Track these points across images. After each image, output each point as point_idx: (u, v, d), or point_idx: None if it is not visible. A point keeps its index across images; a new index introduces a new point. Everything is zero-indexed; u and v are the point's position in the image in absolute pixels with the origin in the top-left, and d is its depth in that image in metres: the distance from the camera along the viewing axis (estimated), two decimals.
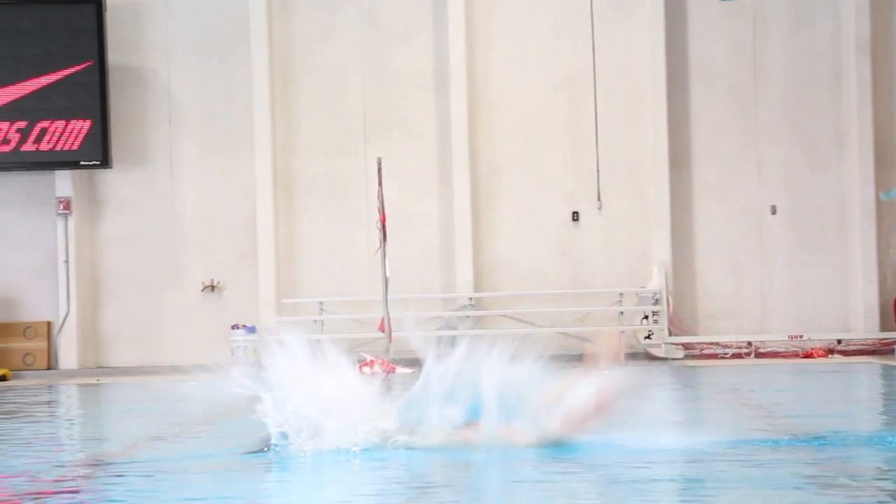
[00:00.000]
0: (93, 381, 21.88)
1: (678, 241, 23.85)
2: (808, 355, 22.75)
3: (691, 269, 24.07)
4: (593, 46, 23.95)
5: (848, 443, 9.62)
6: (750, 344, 23.26)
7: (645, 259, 23.89)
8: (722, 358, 23.03)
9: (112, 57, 23.93)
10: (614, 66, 24.01)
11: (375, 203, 21.85)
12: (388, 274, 21.45)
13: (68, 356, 24.04)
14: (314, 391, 9.57)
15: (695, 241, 24.11)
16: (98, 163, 23.77)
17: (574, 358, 13.13)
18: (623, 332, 22.67)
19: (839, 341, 23.22)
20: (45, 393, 19.83)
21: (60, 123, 23.64)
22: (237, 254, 24.29)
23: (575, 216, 24.08)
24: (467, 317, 23.60)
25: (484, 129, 24.13)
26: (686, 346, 23.48)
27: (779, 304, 23.95)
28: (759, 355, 23.06)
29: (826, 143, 24.00)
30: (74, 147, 23.66)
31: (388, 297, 21.43)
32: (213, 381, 9.49)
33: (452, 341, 11.47)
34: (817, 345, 23.03)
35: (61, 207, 24.06)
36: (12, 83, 23.62)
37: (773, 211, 23.97)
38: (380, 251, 21.52)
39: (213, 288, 24.32)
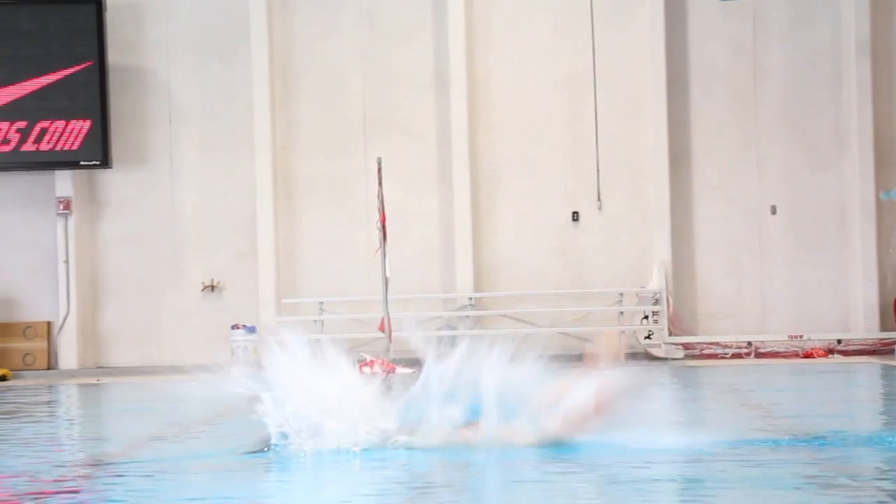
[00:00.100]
0: (93, 381, 21.88)
1: (678, 241, 23.85)
2: (808, 355, 22.76)
3: (691, 269, 24.08)
4: (593, 46, 23.95)
5: (848, 443, 9.62)
6: (750, 344, 23.26)
7: (645, 259, 23.89)
8: (722, 358, 23.03)
9: (112, 57, 23.93)
10: (614, 65, 24.01)
11: (375, 203, 21.85)
12: (388, 274, 21.45)
13: (68, 356, 24.04)
14: (314, 391, 9.57)
15: (695, 241, 24.11)
16: (98, 163, 23.78)
17: (574, 358, 13.12)
18: (623, 332, 22.66)
19: (839, 341, 23.22)
20: (44, 393, 19.83)
21: (60, 123, 23.65)
22: (237, 254, 24.29)
23: (575, 216, 24.08)
24: (467, 317, 23.61)
25: (484, 128, 24.13)
26: (686, 346, 23.49)
27: (779, 304, 23.95)
28: (759, 355, 23.06)
29: (826, 143, 24.01)
30: (74, 147, 23.66)
31: (388, 297, 21.43)
32: (212, 381, 9.49)
33: (452, 341, 11.46)
34: (817, 345, 23.03)
35: (61, 207, 24.06)
36: (12, 83, 23.62)
37: (773, 211, 23.97)
38: (380, 251, 21.52)
39: (213, 288, 24.32)
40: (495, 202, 24.12)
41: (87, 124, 23.65)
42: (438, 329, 22.71)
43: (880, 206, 23.71)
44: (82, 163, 23.79)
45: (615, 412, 9.55)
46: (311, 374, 9.62)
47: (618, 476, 8.48)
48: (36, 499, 8.01)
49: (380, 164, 21.83)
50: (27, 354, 24.05)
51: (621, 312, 23.67)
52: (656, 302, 23.45)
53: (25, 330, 24.18)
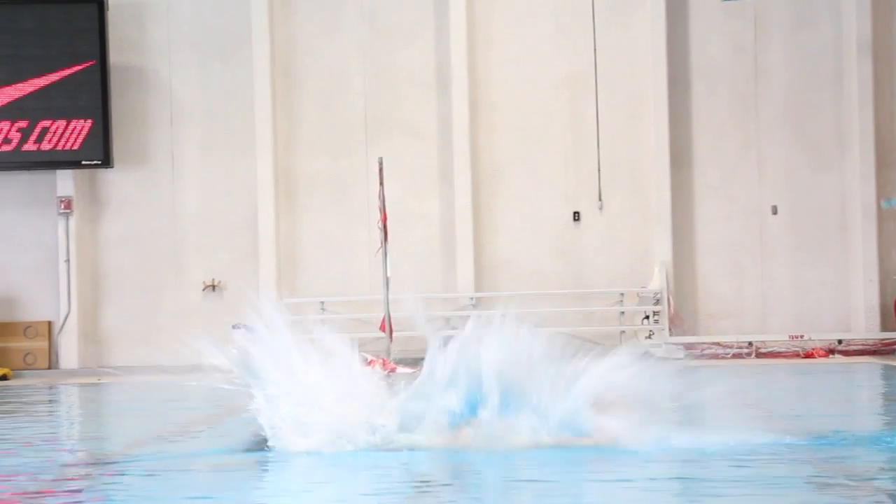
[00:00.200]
0: (93, 380, 21.89)
1: (679, 241, 23.85)
2: (808, 355, 22.75)
3: (692, 269, 24.07)
4: (594, 46, 23.95)
5: (848, 443, 9.62)
6: (751, 344, 23.25)
7: (646, 259, 23.89)
8: (723, 358, 23.03)
9: (113, 56, 23.94)
10: (615, 65, 24.02)
11: (376, 203, 21.85)
12: (388, 274, 21.45)
13: (69, 356, 24.05)
14: (310, 385, 9.55)
15: (696, 241, 24.11)
16: (99, 162, 23.78)
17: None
18: (623, 332, 22.66)
19: (840, 341, 23.22)
20: (45, 392, 19.83)
21: (62, 123, 23.65)
22: (238, 253, 24.29)
23: (576, 216, 24.08)
24: (468, 316, 23.54)
25: (485, 128, 24.13)
26: (687, 347, 23.48)
27: (779, 305, 23.95)
28: (759, 355, 23.05)
29: (827, 143, 24.00)
30: (76, 147, 23.66)
31: (389, 297, 21.43)
32: (207, 377, 9.50)
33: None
34: (818, 345, 23.03)
35: (62, 207, 24.07)
36: (14, 83, 23.62)
37: (774, 211, 23.97)
38: (381, 251, 21.52)
39: (213, 288, 24.33)
40: (496, 202, 24.12)
41: (88, 124, 23.65)
42: (439, 329, 22.68)
43: (881, 209, 23.69)
44: (83, 162, 23.79)
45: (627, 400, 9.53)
46: (305, 365, 9.60)
47: (618, 476, 8.48)
48: (37, 498, 8.01)
49: (381, 163, 21.83)
50: (28, 354, 24.05)
51: (622, 312, 23.67)
52: (657, 302, 23.45)
53: (26, 329, 24.18)
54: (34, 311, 24.30)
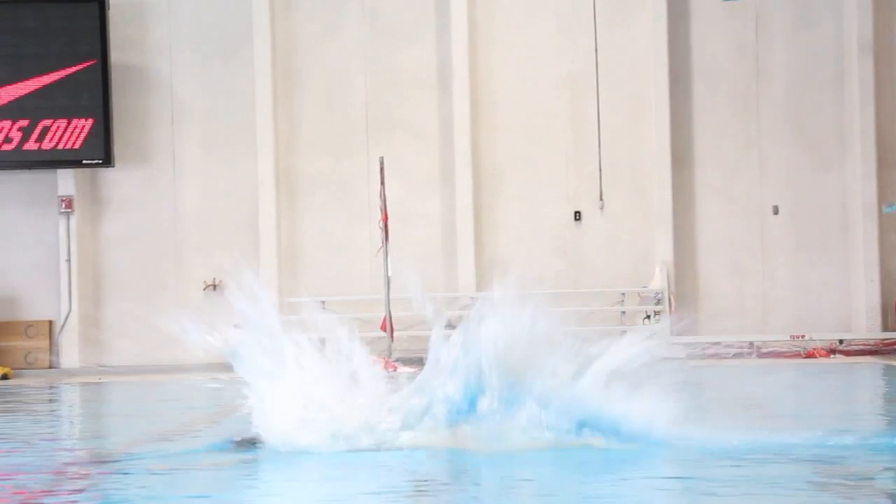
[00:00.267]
0: (94, 379, 21.89)
1: (680, 241, 23.86)
2: (809, 355, 22.75)
3: (693, 268, 24.07)
4: (596, 46, 23.95)
5: (848, 443, 9.61)
6: (752, 344, 23.25)
7: (647, 259, 23.89)
8: (724, 358, 23.02)
9: (115, 56, 23.94)
10: (617, 65, 24.02)
11: (377, 202, 21.85)
12: (389, 273, 21.45)
13: (70, 355, 24.05)
14: (309, 383, 9.54)
15: (697, 240, 24.11)
16: (100, 161, 23.78)
17: None
18: (625, 332, 22.63)
19: (841, 341, 23.21)
20: (46, 392, 19.83)
21: (63, 122, 23.65)
22: (239, 253, 24.24)
23: (577, 216, 24.08)
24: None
25: (486, 128, 24.13)
26: (687, 346, 23.44)
27: (781, 304, 23.95)
28: (760, 355, 23.04)
29: (828, 143, 24.00)
30: (77, 146, 23.66)
31: (390, 297, 21.42)
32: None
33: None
34: (819, 345, 23.02)
35: (63, 206, 24.07)
36: (15, 81, 23.63)
37: (776, 211, 23.97)
38: (382, 250, 21.52)
39: (214, 287, 24.32)
40: (497, 202, 24.13)
41: (89, 123, 23.65)
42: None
43: (882, 209, 23.70)
44: (84, 161, 23.80)
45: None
46: (303, 359, 9.59)
47: (618, 475, 8.48)
48: (37, 497, 8.01)
49: (382, 163, 21.83)
50: (28, 353, 24.06)
51: (623, 312, 23.67)
52: (658, 302, 23.45)
53: (27, 329, 24.19)
54: (35, 310, 24.30)
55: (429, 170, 24.17)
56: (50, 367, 23.97)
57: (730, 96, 24.11)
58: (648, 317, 23.47)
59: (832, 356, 22.74)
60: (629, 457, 9.06)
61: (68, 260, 24.07)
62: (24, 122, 23.65)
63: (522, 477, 8.60)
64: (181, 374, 20.15)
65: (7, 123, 23.64)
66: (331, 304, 23.76)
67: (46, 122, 23.65)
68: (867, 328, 23.52)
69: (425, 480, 8.68)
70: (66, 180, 24.13)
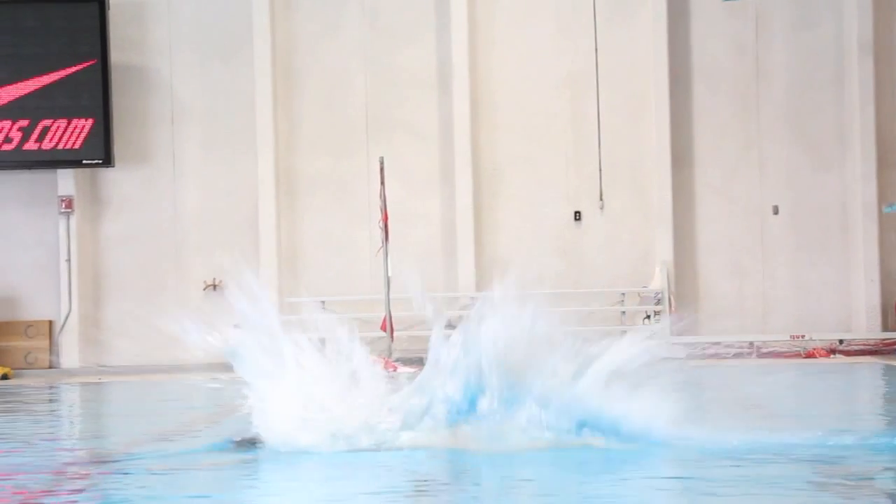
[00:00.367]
0: (94, 379, 21.89)
1: (680, 241, 23.86)
2: (809, 355, 22.75)
3: (693, 268, 24.08)
4: (596, 46, 23.95)
5: (848, 443, 9.61)
6: (752, 344, 23.25)
7: (647, 259, 23.89)
8: (724, 358, 23.02)
9: (115, 55, 23.95)
10: (617, 65, 24.02)
11: (377, 202, 21.85)
12: (389, 273, 21.45)
13: (70, 355, 24.05)
14: (308, 383, 9.53)
15: (697, 240, 24.11)
16: (100, 161, 23.78)
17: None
18: (625, 332, 22.61)
19: (841, 341, 23.21)
20: (46, 392, 19.83)
21: (63, 122, 23.65)
22: (239, 253, 24.24)
23: (577, 216, 24.08)
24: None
25: (486, 128, 24.13)
26: (688, 346, 23.45)
27: (781, 304, 23.95)
28: (760, 355, 23.04)
29: (828, 143, 24.01)
30: (77, 146, 23.66)
31: (390, 297, 21.42)
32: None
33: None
34: (819, 345, 23.03)
35: (63, 206, 24.07)
36: (15, 81, 23.63)
37: (776, 211, 23.97)
38: (382, 250, 21.52)
39: (214, 287, 24.33)
40: (497, 202, 24.13)
41: (89, 123, 23.65)
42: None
43: (882, 209, 23.71)
44: (84, 161, 23.80)
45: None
46: (302, 358, 9.59)
47: (618, 475, 8.48)
48: (37, 497, 8.01)
49: (382, 163, 21.83)
50: (28, 353, 24.06)
51: (623, 312, 23.67)
52: (658, 302, 23.45)
53: (27, 329, 24.19)
54: (35, 310, 24.30)
55: (429, 170, 24.18)
56: (50, 367, 23.97)
57: (730, 96, 24.12)
58: (648, 317, 23.46)
59: (832, 356, 22.74)
60: (629, 457, 9.06)
61: (68, 260, 24.07)
62: (24, 122, 23.65)
63: (522, 477, 8.60)
64: (181, 374, 20.15)
65: (7, 123, 23.64)
66: (331, 304, 23.75)
67: (46, 122, 23.65)
68: (867, 328, 23.52)
69: (425, 480, 8.68)
70: (66, 180, 24.13)
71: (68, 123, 23.64)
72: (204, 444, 10.25)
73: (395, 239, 21.89)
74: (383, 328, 21.49)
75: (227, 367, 9.96)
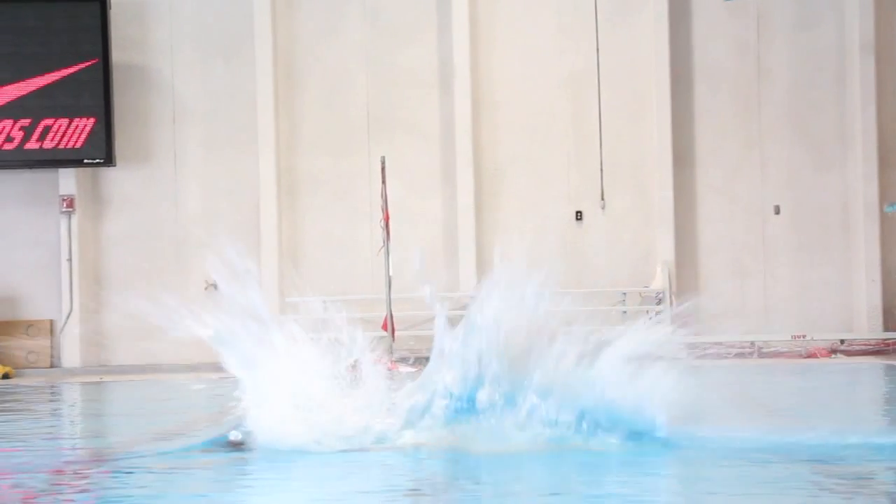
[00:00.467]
0: (95, 379, 21.89)
1: (682, 241, 23.85)
2: (811, 355, 22.74)
3: (694, 268, 24.07)
4: (597, 46, 23.95)
5: (848, 443, 9.60)
6: (753, 344, 23.24)
7: (648, 259, 23.88)
8: (725, 358, 23.00)
9: (116, 55, 23.95)
10: (618, 65, 24.02)
11: (379, 202, 21.86)
12: (391, 273, 21.45)
13: (71, 354, 24.06)
14: (303, 381, 9.52)
15: (698, 240, 24.10)
16: (102, 161, 23.78)
17: None
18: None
19: (842, 341, 23.20)
20: (47, 391, 19.83)
21: (64, 121, 23.66)
22: (240, 252, 24.22)
23: (578, 215, 24.08)
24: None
25: (487, 128, 24.13)
26: (688, 346, 23.40)
27: (782, 304, 23.94)
28: (761, 355, 23.04)
29: (830, 143, 24.00)
30: (78, 145, 23.66)
31: (392, 296, 21.42)
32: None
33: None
34: (820, 345, 23.02)
35: (65, 205, 24.08)
36: (16, 81, 23.63)
37: (777, 211, 23.97)
38: (383, 250, 21.52)
39: (216, 286, 24.27)
40: (498, 201, 24.13)
41: (90, 122, 23.66)
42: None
43: (884, 209, 23.70)
44: (86, 161, 23.80)
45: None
46: (294, 352, 9.58)
47: (617, 475, 8.47)
48: (37, 496, 8.01)
49: (383, 162, 21.84)
50: (30, 353, 24.06)
51: (624, 312, 23.65)
52: (659, 302, 23.44)
53: (28, 328, 24.19)
54: (36, 309, 24.31)
55: (430, 169, 24.18)
56: (51, 367, 23.98)
57: (731, 96, 24.11)
58: (650, 317, 23.43)
59: (833, 356, 22.73)
60: (629, 457, 9.05)
61: (69, 259, 24.07)
62: (25, 122, 23.66)
63: (522, 477, 8.60)
64: (181, 374, 20.15)
65: (8, 123, 23.65)
66: (332, 303, 23.72)
67: (48, 122, 23.65)
68: (868, 328, 23.51)
69: (425, 480, 8.67)
70: (67, 179, 24.14)
71: (69, 123, 23.65)
72: (203, 443, 10.25)
73: (397, 238, 21.89)
74: (384, 328, 21.49)
75: (219, 368, 9.96)
